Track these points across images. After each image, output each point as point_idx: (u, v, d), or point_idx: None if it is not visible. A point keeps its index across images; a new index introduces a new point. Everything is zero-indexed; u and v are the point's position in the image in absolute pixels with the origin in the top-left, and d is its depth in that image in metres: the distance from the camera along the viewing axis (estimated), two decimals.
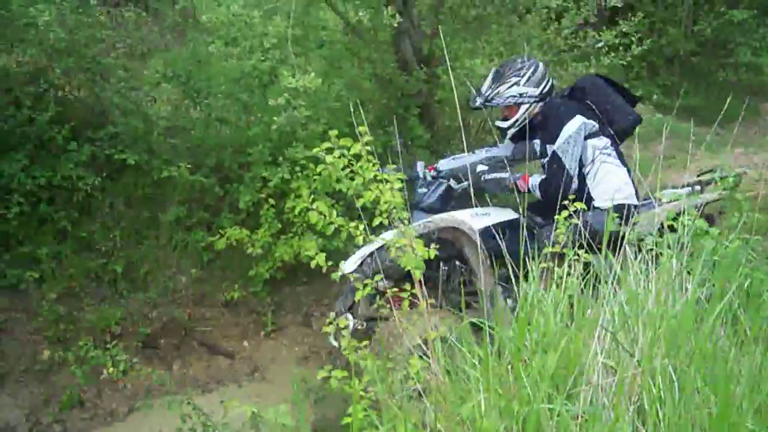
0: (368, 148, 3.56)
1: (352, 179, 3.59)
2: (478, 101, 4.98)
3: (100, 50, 6.42)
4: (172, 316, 5.85)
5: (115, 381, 5.34)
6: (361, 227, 3.64)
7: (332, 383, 3.33)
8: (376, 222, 3.60)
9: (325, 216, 3.66)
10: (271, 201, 6.02)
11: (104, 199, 6.05)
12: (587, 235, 4.49)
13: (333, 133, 3.54)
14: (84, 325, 5.65)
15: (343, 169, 3.56)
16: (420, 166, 5.29)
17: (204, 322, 6.11)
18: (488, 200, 4.89)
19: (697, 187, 5.06)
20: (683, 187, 5.10)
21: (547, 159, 4.83)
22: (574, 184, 4.73)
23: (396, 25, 5.93)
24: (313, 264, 3.80)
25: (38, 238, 5.78)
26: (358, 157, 3.57)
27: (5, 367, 5.37)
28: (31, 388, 5.36)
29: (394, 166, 5.14)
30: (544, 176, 4.85)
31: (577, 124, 4.77)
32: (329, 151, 3.53)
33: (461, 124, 5.45)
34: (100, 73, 6.34)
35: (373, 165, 3.61)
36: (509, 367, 2.59)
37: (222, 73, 6.53)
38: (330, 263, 3.82)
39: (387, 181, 3.61)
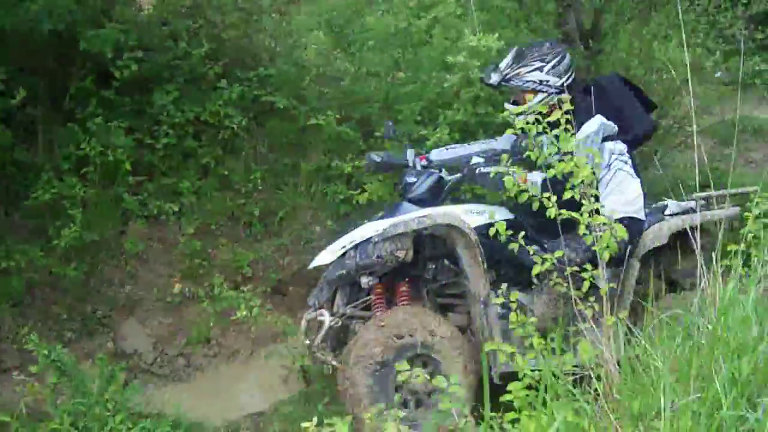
0: (568, 116, 3.36)
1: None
2: (494, 78, 4.56)
3: None
4: (303, 265, 5.79)
5: (243, 323, 5.32)
6: (554, 199, 3.43)
7: (500, 357, 3.31)
8: (567, 196, 3.39)
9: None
10: None
11: (249, 140, 6.03)
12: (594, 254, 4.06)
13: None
14: (217, 263, 5.67)
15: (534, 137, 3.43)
16: (410, 153, 4.89)
17: None
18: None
19: (702, 203, 4.70)
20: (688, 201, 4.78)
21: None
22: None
23: None
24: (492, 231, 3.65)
25: (181, 171, 5.84)
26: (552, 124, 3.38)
27: (138, 295, 5.44)
28: (161, 319, 5.45)
29: (377, 152, 4.97)
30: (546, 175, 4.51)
31: (597, 123, 4.38)
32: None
33: None
34: (254, 13, 6.32)
35: (571, 135, 3.41)
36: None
37: (376, 26, 6.41)
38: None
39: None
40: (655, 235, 4.53)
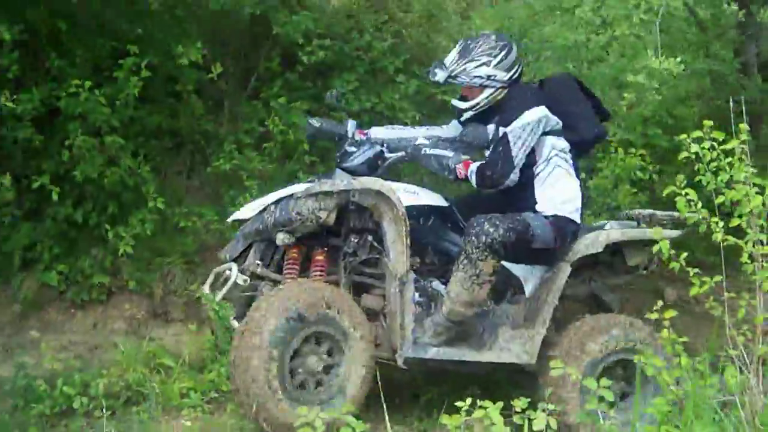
0: (744, 147, 3.31)
1: (715, 173, 3.32)
2: (440, 75, 4.33)
3: None
4: None
5: None
6: (721, 224, 3.30)
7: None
8: (734, 224, 3.27)
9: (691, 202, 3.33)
10: (582, 175, 5.94)
11: None
12: (518, 239, 4.07)
13: (707, 123, 3.33)
14: None
15: (708, 163, 3.31)
16: (351, 125, 4.60)
17: None
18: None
19: (645, 220, 4.50)
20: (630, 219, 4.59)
21: (495, 142, 4.26)
22: (515, 175, 4.15)
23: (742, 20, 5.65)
24: (655, 248, 3.66)
25: None
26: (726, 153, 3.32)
27: None
28: None
29: (317, 118, 4.68)
30: (484, 161, 4.30)
31: (539, 113, 4.21)
32: (697, 140, 3.30)
33: None
34: (436, 14, 6.51)
35: (746, 165, 3.30)
36: None
37: (554, 37, 6.49)
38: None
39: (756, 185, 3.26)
40: (591, 242, 4.34)
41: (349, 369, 3.95)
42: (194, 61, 5.23)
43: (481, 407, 2.63)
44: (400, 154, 4.45)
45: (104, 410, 3.91)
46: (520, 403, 2.73)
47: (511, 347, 4.24)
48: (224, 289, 4.12)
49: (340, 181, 4.18)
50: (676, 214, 4.39)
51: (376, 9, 6.32)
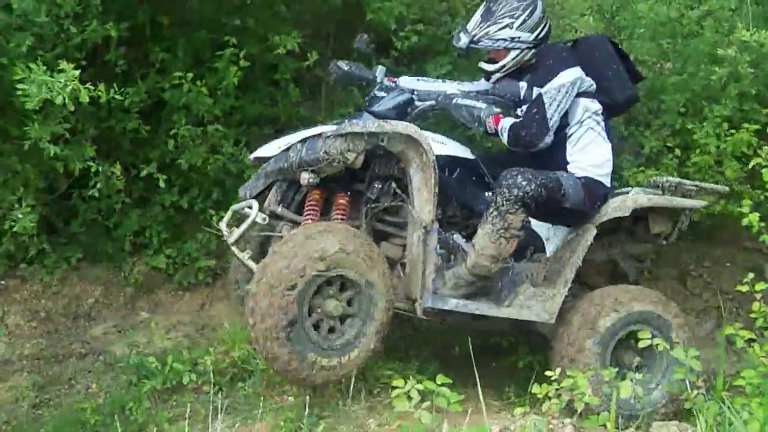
0: None
1: None
2: (463, 40, 4.30)
3: None
4: None
5: None
6: None
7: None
8: None
9: None
10: (677, 152, 5.86)
11: None
12: (549, 196, 4.00)
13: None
14: None
15: None
16: (380, 71, 4.52)
17: None
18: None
19: (671, 189, 4.42)
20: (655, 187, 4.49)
21: (528, 102, 4.18)
22: (549, 138, 4.10)
23: None
24: (745, 221, 3.61)
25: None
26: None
27: None
28: None
29: (346, 61, 4.53)
30: (518, 119, 4.20)
31: (574, 74, 4.16)
32: None
33: None
34: None
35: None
36: None
37: (647, 14, 6.40)
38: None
39: None
40: (619, 206, 4.28)
41: (367, 319, 3.89)
42: (291, 50, 5.35)
43: (569, 376, 2.68)
44: (430, 102, 4.37)
45: (212, 386, 4.05)
46: (607, 372, 2.75)
47: (531, 305, 4.23)
48: (243, 227, 4.02)
49: (372, 120, 4.10)
50: (703, 184, 4.45)
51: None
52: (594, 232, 4.26)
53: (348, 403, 3.99)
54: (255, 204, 4.05)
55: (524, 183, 3.94)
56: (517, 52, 4.27)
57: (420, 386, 3.01)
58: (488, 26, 4.26)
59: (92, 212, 5.22)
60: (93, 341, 4.89)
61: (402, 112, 4.30)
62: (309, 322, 3.75)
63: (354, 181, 4.26)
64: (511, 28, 4.23)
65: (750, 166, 3.68)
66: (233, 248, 4.09)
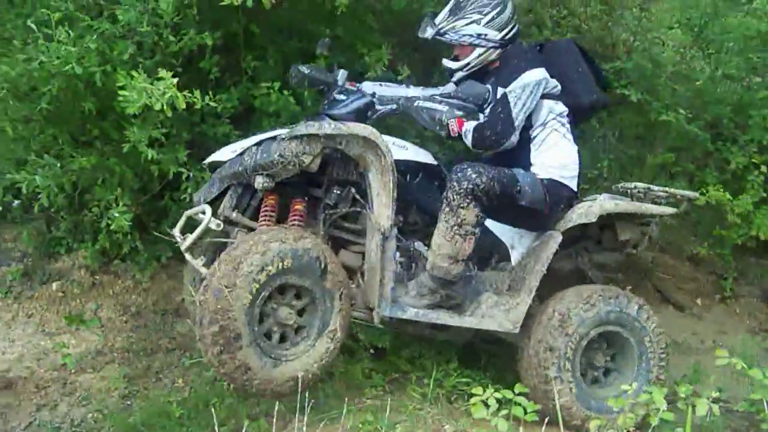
0: None
1: None
2: (429, 31, 4.21)
3: None
4: (635, 255, 5.92)
5: None
6: None
7: None
8: None
9: None
10: (763, 168, 5.80)
11: (600, 128, 6.22)
12: (503, 191, 3.90)
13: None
14: None
15: None
16: (342, 74, 4.35)
17: (664, 269, 6.14)
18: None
19: (640, 195, 4.30)
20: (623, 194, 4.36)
21: (492, 102, 4.04)
22: (514, 137, 4.01)
23: None
24: None
25: None
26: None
27: None
28: None
29: (307, 65, 4.35)
30: (482, 120, 4.06)
31: (539, 75, 4.06)
32: None
33: None
34: (616, 7, 6.47)
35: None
36: None
37: (737, 27, 6.34)
38: None
39: None
40: (584, 212, 4.16)
41: (321, 329, 3.78)
42: (379, 59, 5.44)
43: (647, 392, 2.70)
44: (391, 105, 4.24)
45: None
46: (683, 389, 2.78)
47: (494, 314, 4.12)
48: (195, 233, 3.90)
49: (329, 122, 3.97)
50: (672, 190, 4.36)
51: (555, 4, 6.36)
52: (559, 238, 4.17)
53: (426, 408, 4.06)
54: (208, 209, 3.93)
55: (474, 176, 3.88)
56: (483, 50, 4.22)
57: (498, 395, 3.07)
58: (456, 20, 4.20)
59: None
60: (180, 337, 5.04)
61: (361, 115, 4.18)
62: (259, 330, 3.64)
63: (311, 187, 4.20)
64: (479, 24, 4.17)
65: None
66: (186, 255, 4.00)
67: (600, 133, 6.20)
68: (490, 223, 4.17)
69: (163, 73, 3.73)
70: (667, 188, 4.45)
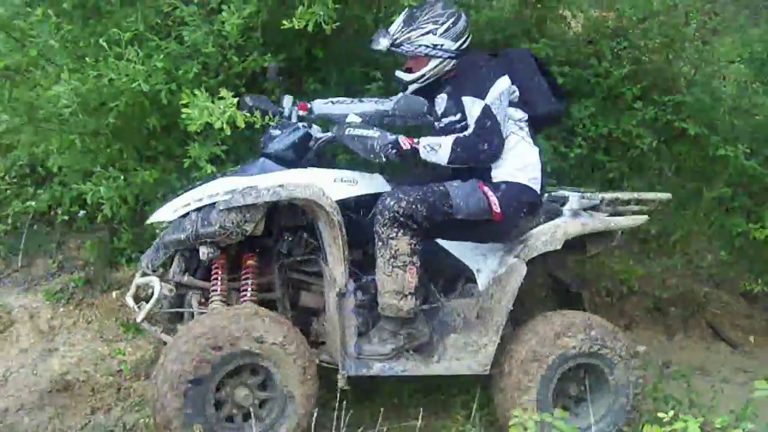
0: None
1: None
2: (383, 43, 4.05)
3: (680, 18, 6.51)
4: (689, 289, 5.90)
5: None
6: None
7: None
8: None
9: None
10: None
11: (656, 161, 6.23)
12: (431, 211, 3.79)
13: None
14: (605, 272, 5.95)
15: None
16: (288, 100, 4.26)
17: (717, 304, 6.10)
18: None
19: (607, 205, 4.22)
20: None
21: (478, 114, 3.86)
22: (504, 147, 3.95)
23: None
24: None
25: (587, 182, 6.02)
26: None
27: None
28: None
29: (251, 96, 4.25)
30: (465, 133, 3.90)
31: (506, 84, 3.97)
32: None
33: None
34: (677, 40, 6.46)
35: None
36: None
37: None
38: None
39: None
40: (549, 239, 4.04)
41: (284, 404, 3.72)
42: None
43: (681, 419, 2.72)
44: (328, 134, 4.13)
45: (338, 401, 4.16)
46: (720, 420, 2.78)
47: (462, 357, 4.04)
48: (148, 306, 3.84)
49: (264, 182, 3.82)
50: (643, 194, 4.37)
51: (615, 36, 6.39)
52: (524, 270, 4.05)
53: (468, 429, 4.10)
54: (156, 280, 3.88)
55: (392, 203, 3.79)
56: (439, 60, 4.10)
57: (537, 417, 3.10)
58: (410, 31, 4.08)
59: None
60: None
61: (300, 148, 4.08)
62: (217, 414, 3.62)
63: (260, 239, 4.07)
64: (435, 34, 4.05)
65: None
66: (143, 325, 3.94)
67: (657, 165, 6.18)
68: (448, 245, 4.11)
69: (223, 92, 3.85)
70: (635, 193, 4.44)
